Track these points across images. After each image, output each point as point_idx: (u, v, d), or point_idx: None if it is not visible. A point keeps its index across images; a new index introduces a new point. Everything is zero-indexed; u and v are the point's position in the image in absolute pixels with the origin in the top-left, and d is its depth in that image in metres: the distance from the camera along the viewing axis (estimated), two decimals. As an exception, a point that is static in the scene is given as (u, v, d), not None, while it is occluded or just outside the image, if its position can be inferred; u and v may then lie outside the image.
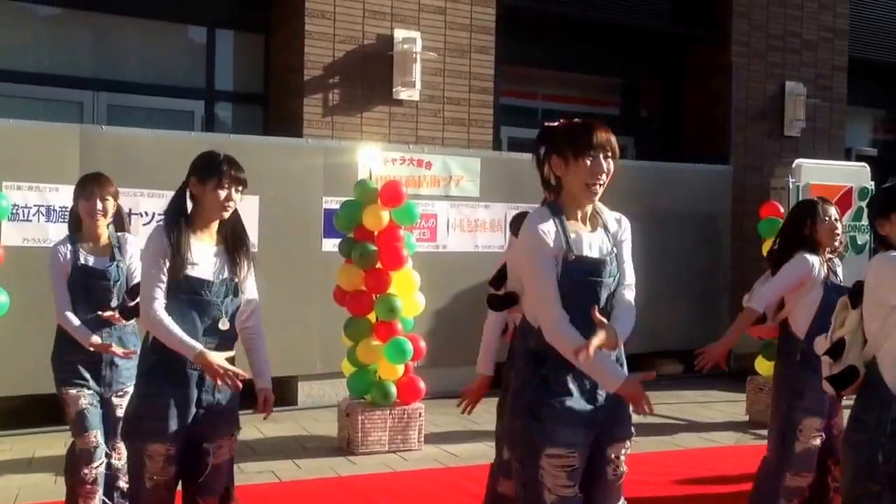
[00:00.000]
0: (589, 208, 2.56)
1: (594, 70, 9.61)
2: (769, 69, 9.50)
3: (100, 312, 3.71)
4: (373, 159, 6.77)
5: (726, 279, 8.85)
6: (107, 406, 3.78)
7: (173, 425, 2.84)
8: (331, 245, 6.40)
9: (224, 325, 2.93)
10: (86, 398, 3.70)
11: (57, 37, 7.51)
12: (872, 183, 8.70)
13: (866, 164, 8.94)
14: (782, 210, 7.47)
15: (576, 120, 2.57)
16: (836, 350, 2.68)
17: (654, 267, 7.95)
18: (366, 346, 5.62)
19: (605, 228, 2.58)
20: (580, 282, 2.46)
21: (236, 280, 2.98)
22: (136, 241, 3.88)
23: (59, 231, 5.90)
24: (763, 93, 9.48)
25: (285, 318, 6.43)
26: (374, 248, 5.58)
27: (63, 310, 3.70)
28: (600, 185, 2.50)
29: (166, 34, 7.86)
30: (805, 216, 3.84)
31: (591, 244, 2.52)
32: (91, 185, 3.82)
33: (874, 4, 10.69)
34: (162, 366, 2.86)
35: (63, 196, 5.92)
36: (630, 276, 2.59)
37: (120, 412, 3.64)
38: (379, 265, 5.60)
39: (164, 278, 2.85)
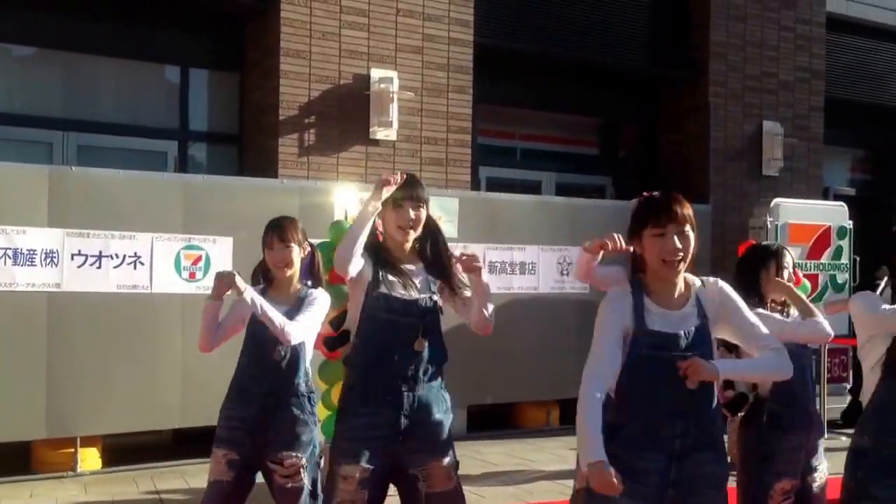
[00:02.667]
0: (678, 282, 2.48)
1: (572, 110, 9.63)
2: (746, 109, 9.55)
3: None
4: (349, 200, 6.67)
5: (707, 319, 8.77)
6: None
7: (366, 447, 2.83)
8: (306, 287, 6.28)
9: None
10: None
11: (28, 77, 7.42)
12: (850, 222, 8.72)
13: (844, 204, 8.97)
14: (762, 249, 7.44)
15: (653, 194, 2.54)
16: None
17: (635, 307, 7.89)
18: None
19: (698, 303, 2.48)
20: (650, 356, 2.39)
21: None
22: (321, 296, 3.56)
23: (26, 274, 5.78)
24: (741, 133, 9.52)
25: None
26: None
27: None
28: (679, 260, 2.42)
29: (139, 74, 7.79)
30: (758, 266, 3.65)
31: (671, 319, 2.44)
32: (270, 234, 3.52)
33: (850, 46, 10.83)
34: (359, 386, 2.90)
35: (30, 239, 5.79)
36: (763, 338, 2.50)
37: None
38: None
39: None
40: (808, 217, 8.48)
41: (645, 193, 2.56)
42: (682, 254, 2.41)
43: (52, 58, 7.48)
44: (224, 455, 3.41)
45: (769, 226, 8.17)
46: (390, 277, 3.02)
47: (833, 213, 8.72)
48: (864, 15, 10.75)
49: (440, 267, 3.11)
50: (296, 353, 3.46)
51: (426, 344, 3.01)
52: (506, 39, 8.56)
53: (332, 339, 3.16)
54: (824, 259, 8.49)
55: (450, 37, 7.90)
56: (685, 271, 2.48)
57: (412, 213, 3.07)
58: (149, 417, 6.23)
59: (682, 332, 2.41)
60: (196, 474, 5.86)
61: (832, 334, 3.54)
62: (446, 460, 3.02)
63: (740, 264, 3.83)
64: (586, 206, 8.25)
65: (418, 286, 3.07)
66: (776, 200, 8.45)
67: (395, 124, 7.50)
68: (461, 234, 7.39)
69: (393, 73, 7.54)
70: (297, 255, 3.54)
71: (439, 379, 3.09)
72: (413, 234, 3.11)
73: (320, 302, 3.52)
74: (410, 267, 3.08)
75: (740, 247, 7.47)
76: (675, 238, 2.40)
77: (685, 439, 2.39)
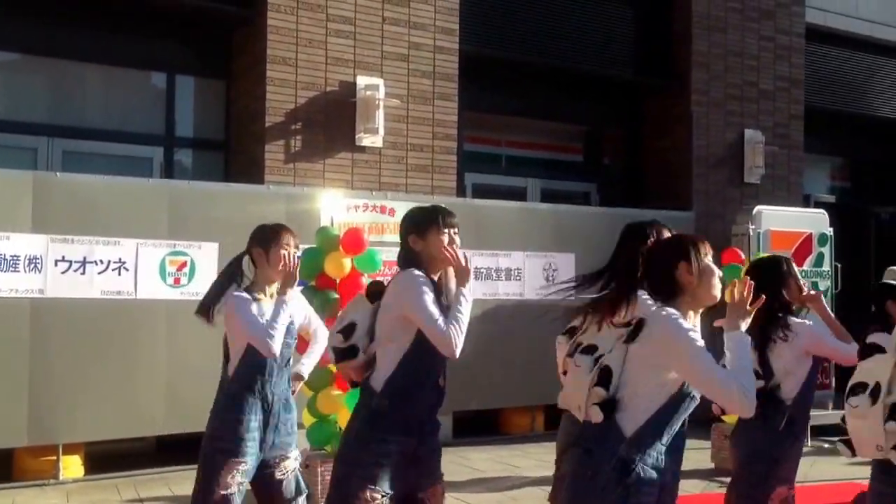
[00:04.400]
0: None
1: (557, 117, 9.70)
2: (728, 118, 9.66)
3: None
4: (335, 206, 6.69)
5: (691, 325, 8.83)
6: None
7: (392, 473, 2.93)
8: (292, 293, 6.27)
9: None
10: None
11: (13, 82, 7.38)
12: (831, 229, 8.83)
13: (825, 211, 9.08)
14: (743, 256, 7.51)
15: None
16: None
17: (619, 313, 7.93)
18: (326, 396, 5.47)
19: None
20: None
21: None
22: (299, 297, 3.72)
23: (9, 281, 5.73)
24: (722, 141, 9.62)
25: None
26: (335, 295, 5.48)
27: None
28: None
29: (126, 80, 7.77)
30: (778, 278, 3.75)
31: None
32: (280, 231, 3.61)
33: (828, 55, 10.98)
34: (394, 414, 2.95)
35: (14, 245, 5.75)
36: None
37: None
38: (340, 313, 5.48)
39: None
40: (789, 224, 8.57)
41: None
42: None
43: (38, 64, 7.45)
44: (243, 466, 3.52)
45: (751, 233, 8.25)
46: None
47: (814, 221, 8.82)
48: (840, 26, 10.90)
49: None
50: (288, 354, 3.63)
51: (444, 381, 3.15)
52: (491, 48, 8.62)
53: (341, 351, 3.14)
54: (806, 266, 8.58)
55: (435, 45, 7.95)
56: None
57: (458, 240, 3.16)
58: (132, 424, 6.19)
59: None
60: (179, 482, 5.83)
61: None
62: (442, 480, 3.19)
63: (756, 278, 3.90)
64: (571, 212, 8.30)
65: None
66: (758, 208, 8.53)
67: (382, 131, 7.52)
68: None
69: (379, 81, 7.56)
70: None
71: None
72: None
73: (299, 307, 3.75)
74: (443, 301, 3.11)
75: (724, 253, 7.58)
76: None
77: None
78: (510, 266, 7.61)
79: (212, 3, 7.37)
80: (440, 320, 2.94)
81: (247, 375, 3.52)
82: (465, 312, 2.98)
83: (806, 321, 3.72)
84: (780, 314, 3.65)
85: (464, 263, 3.04)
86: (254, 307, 3.51)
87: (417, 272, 3.03)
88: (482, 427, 7.82)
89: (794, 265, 3.89)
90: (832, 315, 3.84)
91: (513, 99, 9.24)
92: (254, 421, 3.50)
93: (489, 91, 8.97)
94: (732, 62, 9.71)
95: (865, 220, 11.80)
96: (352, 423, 3.10)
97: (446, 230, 3.08)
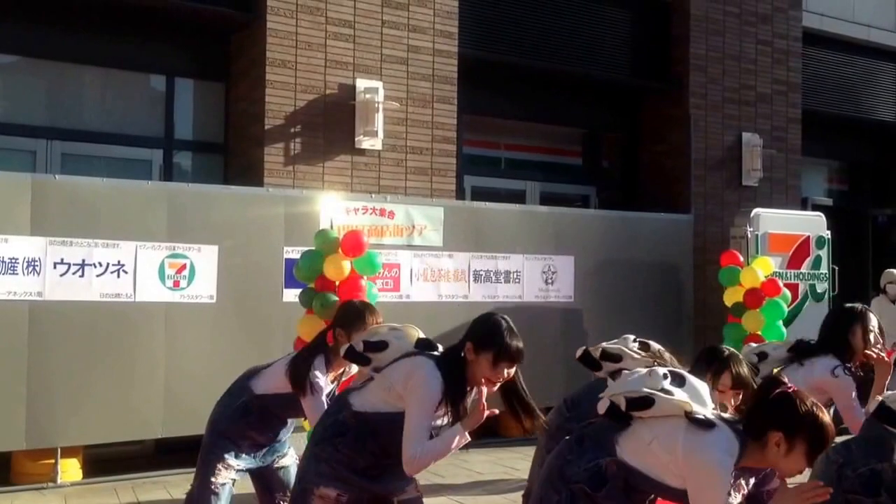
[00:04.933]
0: None
1: (556, 120, 9.71)
2: (726, 121, 9.68)
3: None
4: (334, 209, 6.68)
5: (689, 328, 8.85)
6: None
7: (348, 476, 2.99)
8: (292, 295, 6.26)
9: None
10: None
11: (12, 85, 7.36)
12: (828, 232, 8.85)
13: (822, 214, 9.10)
14: (742, 259, 7.53)
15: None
16: None
17: (617, 315, 7.94)
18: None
19: None
20: None
21: None
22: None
23: (8, 283, 5.72)
24: (720, 144, 9.64)
25: (245, 369, 6.24)
26: (335, 298, 5.46)
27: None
28: None
29: (125, 83, 7.76)
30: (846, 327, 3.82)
31: None
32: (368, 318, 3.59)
33: (825, 60, 11.02)
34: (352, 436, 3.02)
35: (12, 247, 5.74)
36: None
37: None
38: (381, 326, 5.48)
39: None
40: (787, 227, 8.59)
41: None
42: None
43: (37, 67, 7.44)
44: (236, 469, 3.72)
45: (749, 235, 8.27)
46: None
47: (812, 223, 8.84)
48: (837, 30, 10.94)
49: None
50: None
51: None
52: (490, 51, 8.63)
53: (356, 353, 3.23)
54: (804, 269, 8.60)
55: (434, 48, 7.95)
56: None
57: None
58: (131, 428, 6.17)
59: None
60: (178, 485, 5.81)
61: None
62: (416, 483, 3.23)
63: (827, 325, 3.92)
64: (570, 215, 8.31)
65: None
66: (756, 210, 8.55)
67: (381, 134, 7.52)
68: (446, 243, 7.41)
69: (378, 84, 7.57)
70: None
71: None
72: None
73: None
74: None
75: (722, 256, 7.59)
76: None
77: None
78: (509, 269, 7.61)
79: (211, 5, 7.37)
80: (420, 438, 2.90)
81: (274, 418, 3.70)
82: (447, 449, 2.92)
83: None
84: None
85: (484, 413, 2.92)
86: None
87: (438, 380, 2.94)
88: (481, 429, 7.80)
89: (871, 319, 3.83)
90: (885, 385, 3.74)
91: (512, 102, 9.25)
92: (258, 438, 3.69)
93: (488, 94, 8.98)
94: (730, 66, 9.73)
95: (863, 222, 11.84)
96: (320, 421, 3.21)
97: (503, 366, 2.94)
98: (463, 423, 2.92)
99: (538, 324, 7.57)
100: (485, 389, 2.96)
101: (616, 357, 3.78)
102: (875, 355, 3.74)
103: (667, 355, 3.68)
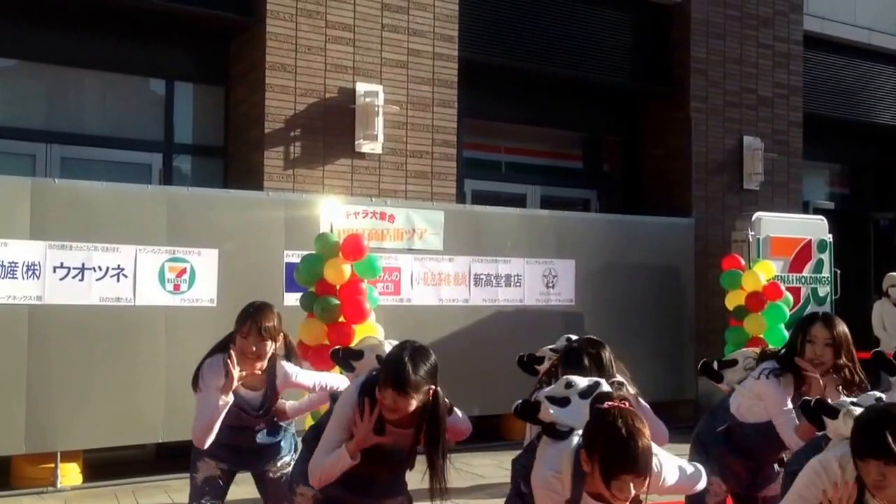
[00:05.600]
0: None
1: (557, 124, 9.70)
2: (727, 124, 9.66)
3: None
4: (335, 212, 6.67)
5: (690, 331, 8.83)
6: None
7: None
8: (292, 299, 6.24)
9: None
10: None
11: (12, 89, 7.36)
12: (830, 235, 8.83)
13: (824, 218, 9.08)
14: (743, 262, 7.51)
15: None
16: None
17: (618, 319, 7.92)
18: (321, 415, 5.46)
19: None
20: None
21: None
22: (288, 372, 3.69)
23: (8, 287, 5.71)
24: (722, 147, 9.62)
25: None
26: (336, 301, 5.45)
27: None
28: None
29: (125, 86, 7.76)
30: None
31: None
32: (247, 321, 3.55)
33: (826, 63, 11.01)
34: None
35: (12, 251, 5.73)
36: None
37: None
38: (342, 319, 5.47)
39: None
40: (789, 230, 8.57)
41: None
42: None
43: (37, 70, 7.44)
44: (216, 465, 3.71)
45: (751, 239, 8.25)
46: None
47: (813, 227, 8.82)
48: (839, 33, 10.93)
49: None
50: (277, 428, 3.79)
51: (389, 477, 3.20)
52: (490, 54, 8.62)
53: (340, 357, 3.33)
54: (806, 272, 8.58)
55: (434, 51, 7.95)
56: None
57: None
58: (131, 432, 6.16)
59: None
60: (178, 489, 5.80)
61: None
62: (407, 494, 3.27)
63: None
64: (571, 219, 8.30)
65: None
66: (758, 214, 8.53)
67: (381, 137, 7.52)
68: (447, 246, 7.40)
69: (378, 87, 7.56)
70: (272, 347, 3.61)
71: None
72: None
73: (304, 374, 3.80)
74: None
75: (724, 260, 7.58)
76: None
77: None
78: (510, 272, 7.60)
79: (211, 9, 7.37)
80: (322, 450, 2.98)
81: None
82: (332, 467, 2.94)
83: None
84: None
85: (363, 442, 2.92)
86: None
87: (354, 400, 2.96)
88: (484, 433, 7.77)
89: (819, 329, 3.52)
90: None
91: (512, 106, 9.24)
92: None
93: (489, 98, 8.98)
94: (731, 69, 9.72)
95: (864, 226, 11.82)
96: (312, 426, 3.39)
97: (386, 393, 2.85)
98: (347, 445, 2.93)
99: (539, 327, 7.55)
100: (365, 418, 2.93)
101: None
102: (802, 367, 3.47)
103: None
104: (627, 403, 2.43)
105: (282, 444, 3.82)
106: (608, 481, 2.31)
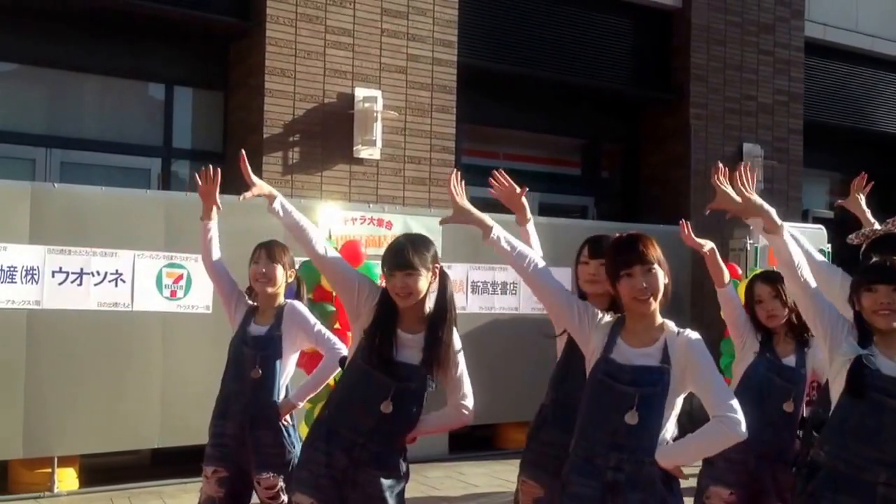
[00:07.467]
0: (650, 322, 2.62)
1: (555, 131, 9.70)
2: (727, 131, 9.66)
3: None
4: (332, 218, 6.68)
5: (688, 339, 8.81)
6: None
7: (321, 481, 2.84)
8: (288, 306, 6.26)
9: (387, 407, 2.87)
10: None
11: (11, 93, 7.38)
12: (829, 245, 8.81)
13: (823, 227, 9.07)
14: (741, 271, 7.51)
15: (622, 235, 2.72)
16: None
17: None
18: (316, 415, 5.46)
19: (665, 348, 2.59)
20: (601, 381, 2.56)
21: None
22: (298, 310, 3.73)
23: (6, 291, 5.72)
24: (721, 154, 9.61)
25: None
26: (332, 308, 5.46)
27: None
28: (646, 298, 2.56)
29: (124, 91, 7.78)
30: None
31: (628, 353, 2.58)
32: (258, 249, 3.76)
33: (827, 70, 11.00)
34: (328, 422, 2.94)
35: (11, 255, 5.74)
36: (717, 406, 2.53)
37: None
38: (338, 325, 5.48)
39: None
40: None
41: (617, 234, 2.74)
42: (649, 292, 2.55)
43: (36, 75, 7.47)
44: (213, 472, 3.55)
45: (749, 247, 8.25)
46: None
47: (812, 236, 8.78)
48: (840, 40, 10.92)
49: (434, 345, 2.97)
50: (272, 371, 3.57)
51: (392, 408, 2.89)
52: (489, 60, 8.64)
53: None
54: (803, 280, 8.55)
55: (434, 57, 7.96)
56: (661, 309, 2.62)
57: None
58: (127, 437, 6.17)
59: (629, 366, 2.54)
60: (174, 495, 5.81)
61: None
62: None
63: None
64: (569, 225, 8.28)
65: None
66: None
67: (379, 143, 7.53)
68: (444, 253, 7.38)
69: (377, 93, 7.57)
70: (282, 275, 3.60)
71: (391, 444, 2.98)
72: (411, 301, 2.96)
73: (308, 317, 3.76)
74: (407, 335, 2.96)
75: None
76: (642, 277, 2.56)
77: (617, 473, 2.47)
78: (506, 280, 7.60)
79: (210, 14, 7.39)
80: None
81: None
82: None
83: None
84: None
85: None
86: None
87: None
88: (478, 442, 7.79)
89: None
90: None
91: (511, 112, 9.25)
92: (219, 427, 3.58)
93: (487, 104, 8.99)
94: (731, 76, 9.72)
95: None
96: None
97: (389, 273, 2.92)
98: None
99: (535, 336, 7.54)
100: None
101: None
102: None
103: None
104: None
105: (280, 449, 3.61)
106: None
